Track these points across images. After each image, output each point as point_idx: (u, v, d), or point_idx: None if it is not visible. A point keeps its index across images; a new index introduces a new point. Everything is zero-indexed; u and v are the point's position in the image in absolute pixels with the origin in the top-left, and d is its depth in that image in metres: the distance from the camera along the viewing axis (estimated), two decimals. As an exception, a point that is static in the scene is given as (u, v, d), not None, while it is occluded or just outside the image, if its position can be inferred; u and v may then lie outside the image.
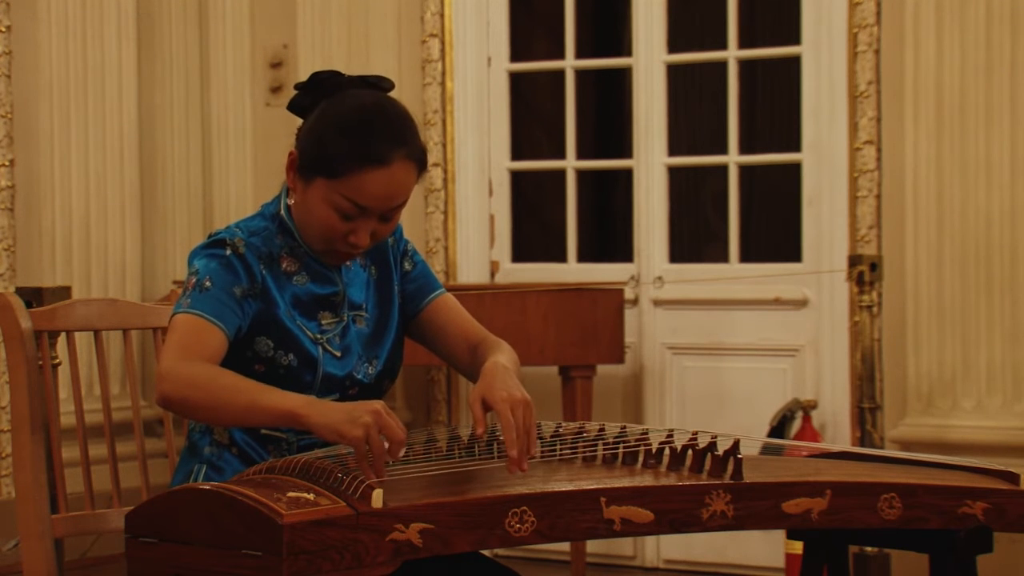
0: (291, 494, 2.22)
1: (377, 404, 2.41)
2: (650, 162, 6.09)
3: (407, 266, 2.90)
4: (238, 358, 2.69)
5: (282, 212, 2.79)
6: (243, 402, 2.52)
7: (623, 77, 6.49)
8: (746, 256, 6.02)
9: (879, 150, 5.60)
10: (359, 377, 2.79)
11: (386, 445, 2.40)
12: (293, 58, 6.51)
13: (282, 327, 2.73)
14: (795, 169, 5.89)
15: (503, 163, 6.38)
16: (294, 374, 2.72)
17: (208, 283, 2.67)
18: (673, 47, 6.10)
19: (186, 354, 2.59)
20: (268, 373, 2.71)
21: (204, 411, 2.58)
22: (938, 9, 5.43)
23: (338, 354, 2.77)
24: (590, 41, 6.89)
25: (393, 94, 2.80)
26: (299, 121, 2.80)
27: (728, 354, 5.94)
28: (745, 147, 6.03)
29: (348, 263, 2.82)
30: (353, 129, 2.67)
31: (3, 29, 6.02)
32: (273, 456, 2.72)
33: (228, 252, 2.71)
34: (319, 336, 2.76)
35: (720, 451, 2.50)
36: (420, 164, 2.71)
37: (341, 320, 2.79)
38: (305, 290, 2.77)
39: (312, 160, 2.69)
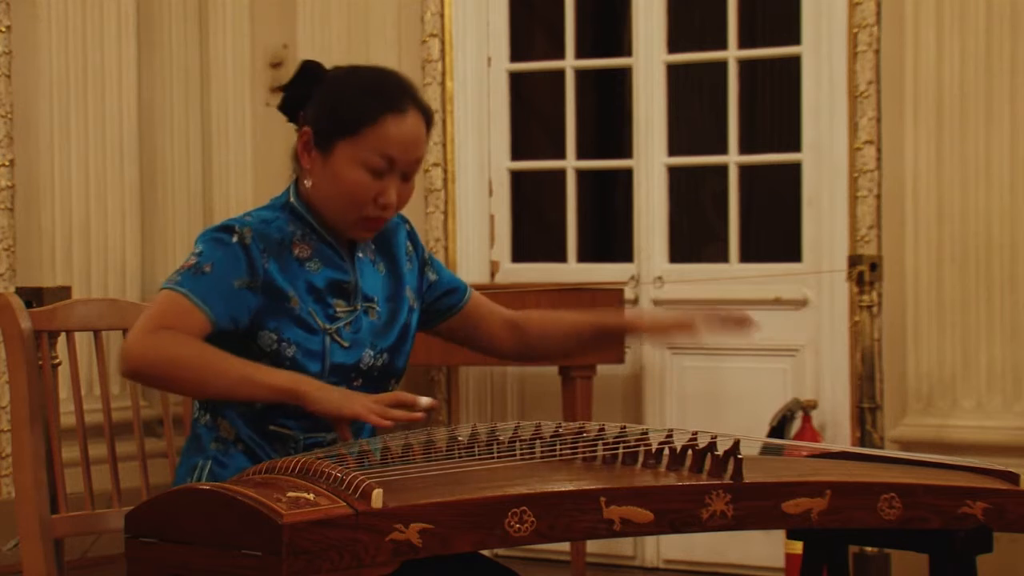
0: (291, 494, 2.22)
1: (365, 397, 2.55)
2: (650, 162, 6.08)
3: (431, 276, 2.97)
4: (241, 355, 2.69)
5: (292, 200, 2.81)
6: (235, 375, 2.60)
7: (623, 77, 6.49)
8: (746, 256, 6.02)
9: (879, 150, 5.59)
10: (364, 369, 2.79)
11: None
12: (293, 58, 6.50)
13: (286, 320, 2.72)
14: (795, 169, 5.89)
15: (503, 163, 6.37)
16: (299, 366, 2.72)
17: (208, 268, 2.68)
18: (673, 47, 6.09)
19: (161, 327, 2.61)
20: (273, 366, 2.71)
21: (183, 382, 2.63)
22: (938, 9, 5.43)
23: (346, 344, 2.77)
24: (590, 41, 6.89)
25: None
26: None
27: (728, 354, 5.93)
28: (745, 147, 6.03)
29: (369, 241, 2.85)
30: (367, 87, 2.77)
31: (3, 29, 6.02)
32: (279, 454, 2.72)
33: (234, 240, 2.71)
34: (329, 326, 2.76)
35: (720, 451, 2.50)
36: (428, 121, 2.82)
37: (355, 310, 2.80)
38: (318, 276, 2.78)
39: (331, 126, 2.76)
